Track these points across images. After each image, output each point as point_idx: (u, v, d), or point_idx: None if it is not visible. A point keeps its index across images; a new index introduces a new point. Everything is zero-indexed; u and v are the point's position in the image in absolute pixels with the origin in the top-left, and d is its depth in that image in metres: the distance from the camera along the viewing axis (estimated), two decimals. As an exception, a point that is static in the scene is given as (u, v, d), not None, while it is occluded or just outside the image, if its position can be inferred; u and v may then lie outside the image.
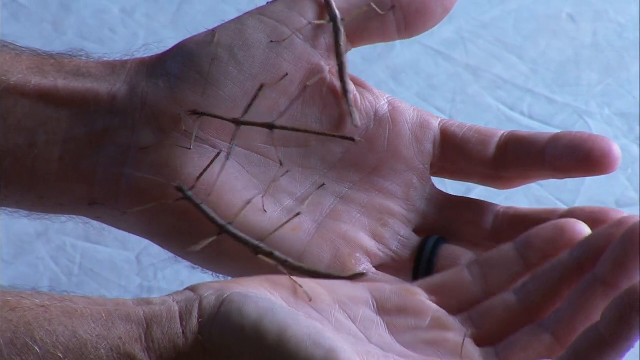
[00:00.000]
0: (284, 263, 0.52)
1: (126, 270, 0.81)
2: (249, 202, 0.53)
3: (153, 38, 1.02)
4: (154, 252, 0.82)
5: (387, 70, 0.94)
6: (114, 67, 0.56)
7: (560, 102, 0.87)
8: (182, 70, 0.54)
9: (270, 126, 0.54)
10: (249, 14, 0.56)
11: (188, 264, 0.80)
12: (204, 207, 0.52)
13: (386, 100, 0.56)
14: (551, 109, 0.86)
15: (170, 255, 0.81)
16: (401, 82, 0.94)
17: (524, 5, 1.00)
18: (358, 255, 0.54)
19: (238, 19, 0.56)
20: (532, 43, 0.96)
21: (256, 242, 0.52)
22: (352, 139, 0.54)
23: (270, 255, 0.52)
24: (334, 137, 0.55)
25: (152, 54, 0.56)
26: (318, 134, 0.55)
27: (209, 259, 0.56)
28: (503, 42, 0.96)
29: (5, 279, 0.80)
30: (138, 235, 0.57)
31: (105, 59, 0.57)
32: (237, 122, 0.54)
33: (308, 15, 0.55)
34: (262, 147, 0.55)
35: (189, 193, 0.52)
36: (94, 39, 1.00)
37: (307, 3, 0.55)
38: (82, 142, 0.54)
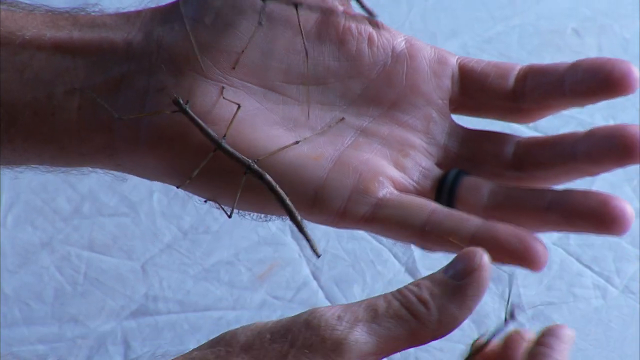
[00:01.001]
0: (271, 188, 0.52)
1: (131, 279, 0.81)
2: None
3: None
4: (160, 261, 0.82)
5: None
6: (128, 17, 0.57)
7: (566, 115, 0.87)
8: (198, 12, 0.55)
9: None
10: None
11: (193, 272, 0.80)
12: (199, 121, 0.53)
13: (403, 38, 0.57)
14: (556, 121, 0.86)
15: (175, 264, 0.81)
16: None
17: (527, 21, 1.00)
18: (381, 178, 0.53)
19: None
20: (537, 58, 0.97)
21: (249, 161, 0.52)
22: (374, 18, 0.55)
23: (260, 177, 0.52)
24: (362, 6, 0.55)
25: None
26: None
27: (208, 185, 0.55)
28: (507, 57, 0.97)
29: (10, 288, 0.80)
30: (157, 180, 0.56)
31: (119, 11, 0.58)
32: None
33: None
34: (279, 85, 0.55)
35: (185, 106, 0.53)
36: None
37: None
38: (100, 89, 0.54)
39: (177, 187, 0.54)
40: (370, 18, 0.55)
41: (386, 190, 0.53)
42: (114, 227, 0.81)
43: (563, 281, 0.78)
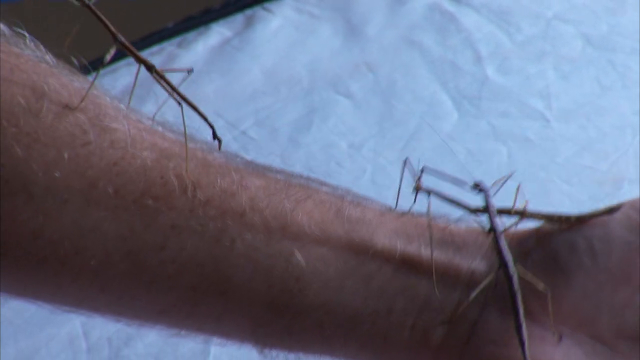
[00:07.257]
0: None
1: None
2: None
3: (379, 173, 1.01)
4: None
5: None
6: (476, 238, 0.55)
7: None
8: (538, 252, 0.53)
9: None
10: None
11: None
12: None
13: None
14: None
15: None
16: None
17: None
18: None
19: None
20: None
21: None
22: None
23: None
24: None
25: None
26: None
27: None
28: None
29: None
30: None
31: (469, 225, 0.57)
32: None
33: None
34: (609, 337, 0.52)
35: None
36: (320, 172, 1.01)
37: None
38: (436, 312, 0.53)
39: None
40: None
41: None
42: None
43: None
